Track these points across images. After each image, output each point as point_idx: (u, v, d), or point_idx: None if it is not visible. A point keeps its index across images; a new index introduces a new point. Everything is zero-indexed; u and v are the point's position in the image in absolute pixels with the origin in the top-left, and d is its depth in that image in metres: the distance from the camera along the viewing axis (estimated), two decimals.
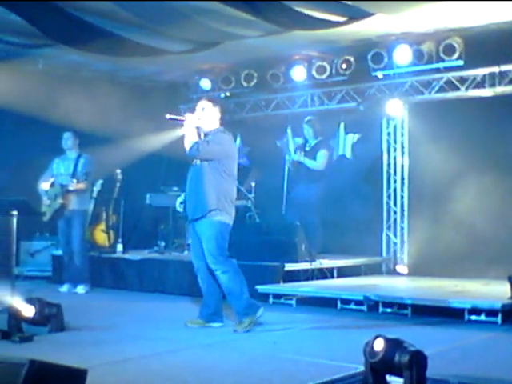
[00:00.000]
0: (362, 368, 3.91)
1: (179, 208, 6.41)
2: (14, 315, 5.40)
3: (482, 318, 6.37)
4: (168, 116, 5.96)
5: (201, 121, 6.04)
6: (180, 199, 6.38)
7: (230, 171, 6.07)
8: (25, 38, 8.28)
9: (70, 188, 8.28)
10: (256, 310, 6.02)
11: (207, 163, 5.97)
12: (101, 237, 9.92)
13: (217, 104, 6.23)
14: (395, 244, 9.90)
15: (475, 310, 6.43)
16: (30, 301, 5.49)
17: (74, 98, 10.23)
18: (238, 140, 11.42)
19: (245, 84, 10.59)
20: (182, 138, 5.93)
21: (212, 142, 5.99)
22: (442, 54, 8.84)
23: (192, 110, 6.16)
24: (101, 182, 9.37)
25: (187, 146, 5.96)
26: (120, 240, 9.94)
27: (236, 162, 6.17)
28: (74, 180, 8.28)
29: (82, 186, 8.36)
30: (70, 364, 3.32)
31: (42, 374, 3.07)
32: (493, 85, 8.81)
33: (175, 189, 10.03)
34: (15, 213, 7.20)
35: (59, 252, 9.15)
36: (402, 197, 9.93)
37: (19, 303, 5.40)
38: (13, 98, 9.31)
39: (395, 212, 9.95)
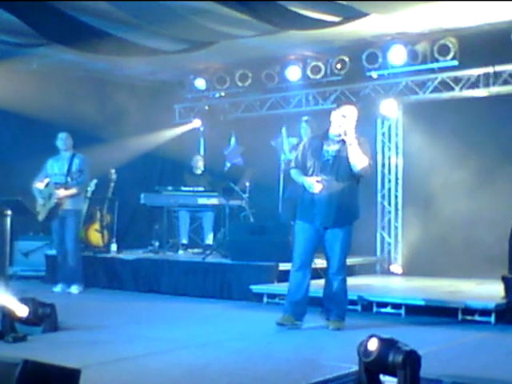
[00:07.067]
0: (355, 367, 3.91)
1: None
2: (7, 315, 5.38)
3: (476, 317, 6.39)
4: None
5: (350, 128, 5.83)
6: None
7: None
8: (19, 38, 8.25)
9: (60, 195, 8.22)
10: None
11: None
12: (95, 236, 9.90)
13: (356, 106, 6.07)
14: (389, 244, 9.92)
15: (469, 310, 6.44)
16: (23, 301, 5.46)
17: (68, 97, 10.22)
18: (233, 140, 11.44)
19: (239, 84, 10.60)
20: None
21: (370, 156, 5.94)
22: (436, 55, 8.86)
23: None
24: (95, 181, 9.36)
25: (359, 164, 5.81)
26: (114, 240, 9.92)
27: None
28: (59, 192, 8.20)
29: (73, 190, 8.32)
30: (63, 364, 3.31)
31: (35, 374, 3.07)
32: (487, 85, 8.84)
33: (169, 188, 10.03)
34: (9, 212, 7.21)
35: (53, 252, 9.13)
36: (396, 197, 9.96)
37: (13, 303, 5.38)
38: (6, 98, 9.29)
39: (389, 212, 9.97)
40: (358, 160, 5.81)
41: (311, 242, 6.03)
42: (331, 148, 5.94)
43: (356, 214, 6.07)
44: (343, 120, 5.82)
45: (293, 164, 6.23)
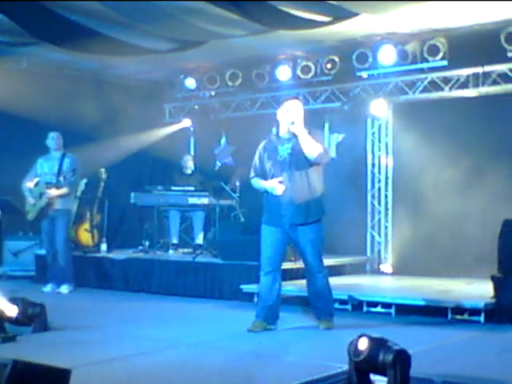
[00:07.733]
0: (346, 367, 3.92)
1: None
2: None
3: (465, 317, 6.42)
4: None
5: (297, 119, 5.90)
6: None
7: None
8: (9, 36, 8.22)
9: (51, 195, 8.20)
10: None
11: (319, 166, 5.99)
12: (85, 236, 9.88)
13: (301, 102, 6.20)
14: (379, 243, 9.94)
15: (459, 309, 6.47)
16: (13, 300, 5.45)
17: (58, 96, 10.18)
18: (223, 139, 11.43)
19: (230, 83, 10.58)
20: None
21: (324, 143, 5.97)
22: (426, 55, 8.88)
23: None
24: (85, 181, 9.34)
25: (313, 151, 5.84)
26: (104, 239, 9.90)
27: None
28: (50, 191, 8.18)
29: (65, 190, 8.30)
30: (53, 364, 3.30)
31: (25, 374, 3.05)
32: (476, 85, 8.86)
33: (160, 188, 10.01)
34: None
35: (43, 251, 9.09)
36: (386, 196, 9.98)
37: (2, 303, 5.36)
38: None
39: (379, 211, 10.00)
40: (311, 148, 5.85)
41: (279, 246, 6.02)
42: (285, 146, 6.01)
43: (323, 209, 6.07)
44: (289, 114, 5.91)
45: (252, 173, 6.17)
